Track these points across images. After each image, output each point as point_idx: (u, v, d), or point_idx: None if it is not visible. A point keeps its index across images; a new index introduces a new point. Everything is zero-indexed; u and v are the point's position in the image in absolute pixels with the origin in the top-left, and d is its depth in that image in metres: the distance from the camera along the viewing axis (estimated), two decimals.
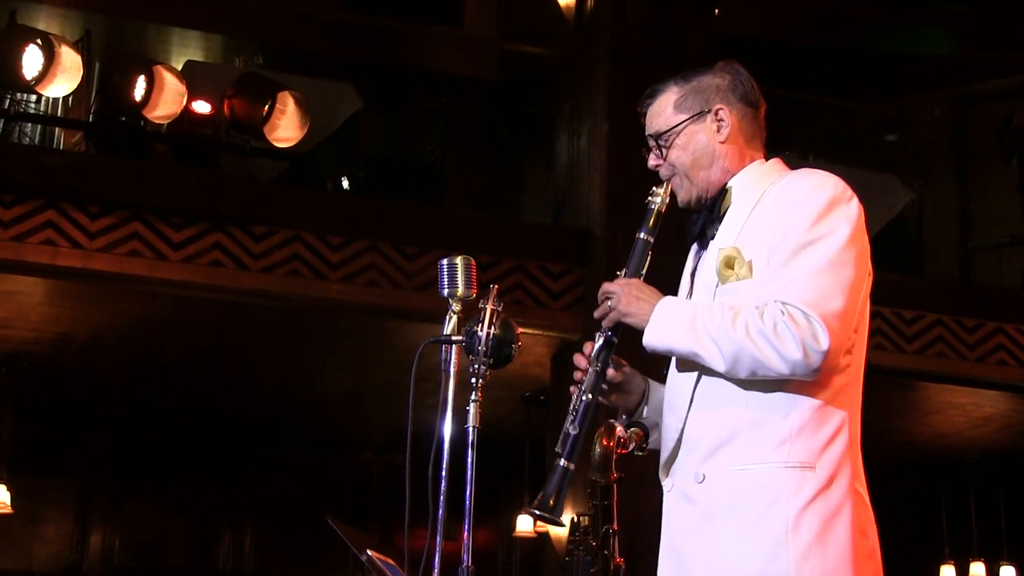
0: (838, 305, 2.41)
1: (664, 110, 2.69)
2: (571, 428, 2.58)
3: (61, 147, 8.15)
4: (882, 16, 9.88)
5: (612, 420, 2.62)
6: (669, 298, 2.58)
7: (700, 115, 2.66)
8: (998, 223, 10.12)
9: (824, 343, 2.38)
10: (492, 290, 2.76)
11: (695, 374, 2.55)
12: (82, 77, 7.05)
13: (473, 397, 2.67)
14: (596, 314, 2.64)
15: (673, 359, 2.63)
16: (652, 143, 2.72)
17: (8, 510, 8.67)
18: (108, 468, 10.05)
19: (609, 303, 2.61)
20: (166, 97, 7.09)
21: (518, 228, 7.82)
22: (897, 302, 7.81)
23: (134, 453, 10.00)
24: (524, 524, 9.09)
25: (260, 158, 7.55)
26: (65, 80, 6.92)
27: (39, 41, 6.82)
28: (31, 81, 6.80)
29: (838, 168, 2.65)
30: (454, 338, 2.72)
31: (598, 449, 2.51)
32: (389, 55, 9.72)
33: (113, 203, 6.68)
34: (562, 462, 2.56)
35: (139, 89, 7.02)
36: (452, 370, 2.72)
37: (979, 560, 10.18)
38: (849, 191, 2.53)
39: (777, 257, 2.47)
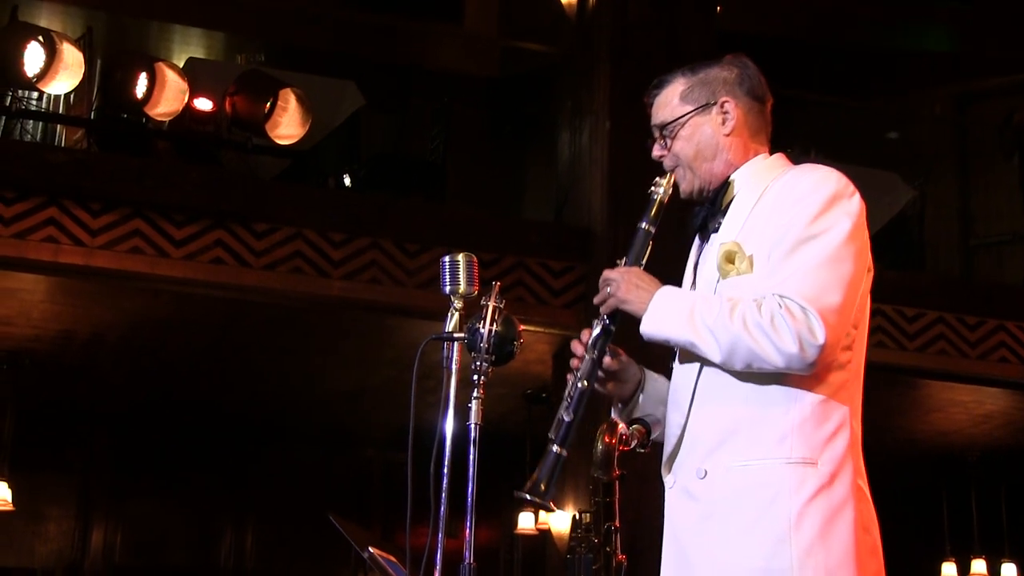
0: (836, 300, 2.42)
1: (670, 101, 2.70)
2: (565, 415, 2.58)
3: (63, 144, 8.15)
4: (883, 14, 9.86)
5: (614, 417, 2.62)
6: (668, 287, 2.58)
7: (706, 107, 2.67)
8: (999, 220, 10.11)
9: (820, 337, 2.39)
10: (494, 287, 2.75)
11: (697, 369, 2.56)
12: (84, 74, 7.04)
13: (475, 394, 2.66)
14: (595, 300, 2.64)
15: (677, 353, 2.63)
16: (657, 133, 2.72)
17: (9, 507, 8.67)
18: (109, 465, 10.04)
19: (608, 290, 2.62)
20: (168, 94, 7.08)
21: (520, 226, 7.81)
22: (898, 299, 7.80)
23: (136, 450, 9.99)
24: (526, 521, 9.08)
25: (262, 155, 7.55)
26: (67, 77, 6.92)
27: (41, 38, 6.82)
28: (33, 78, 6.80)
29: (839, 165, 2.64)
30: (456, 335, 2.71)
31: (600, 446, 2.50)
32: (391, 53, 9.72)
33: (115, 200, 6.68)
34: (555, 448, 2.57)
35: (141, 86, 7.00)
36: (454, 367, 2.71)
37: (980, 557, 10.16)
38: (851, 187, 2.53)
39: (778, 251, 2.48)
